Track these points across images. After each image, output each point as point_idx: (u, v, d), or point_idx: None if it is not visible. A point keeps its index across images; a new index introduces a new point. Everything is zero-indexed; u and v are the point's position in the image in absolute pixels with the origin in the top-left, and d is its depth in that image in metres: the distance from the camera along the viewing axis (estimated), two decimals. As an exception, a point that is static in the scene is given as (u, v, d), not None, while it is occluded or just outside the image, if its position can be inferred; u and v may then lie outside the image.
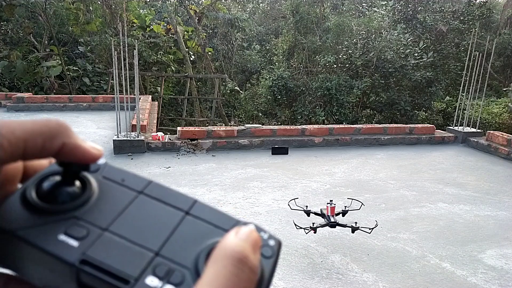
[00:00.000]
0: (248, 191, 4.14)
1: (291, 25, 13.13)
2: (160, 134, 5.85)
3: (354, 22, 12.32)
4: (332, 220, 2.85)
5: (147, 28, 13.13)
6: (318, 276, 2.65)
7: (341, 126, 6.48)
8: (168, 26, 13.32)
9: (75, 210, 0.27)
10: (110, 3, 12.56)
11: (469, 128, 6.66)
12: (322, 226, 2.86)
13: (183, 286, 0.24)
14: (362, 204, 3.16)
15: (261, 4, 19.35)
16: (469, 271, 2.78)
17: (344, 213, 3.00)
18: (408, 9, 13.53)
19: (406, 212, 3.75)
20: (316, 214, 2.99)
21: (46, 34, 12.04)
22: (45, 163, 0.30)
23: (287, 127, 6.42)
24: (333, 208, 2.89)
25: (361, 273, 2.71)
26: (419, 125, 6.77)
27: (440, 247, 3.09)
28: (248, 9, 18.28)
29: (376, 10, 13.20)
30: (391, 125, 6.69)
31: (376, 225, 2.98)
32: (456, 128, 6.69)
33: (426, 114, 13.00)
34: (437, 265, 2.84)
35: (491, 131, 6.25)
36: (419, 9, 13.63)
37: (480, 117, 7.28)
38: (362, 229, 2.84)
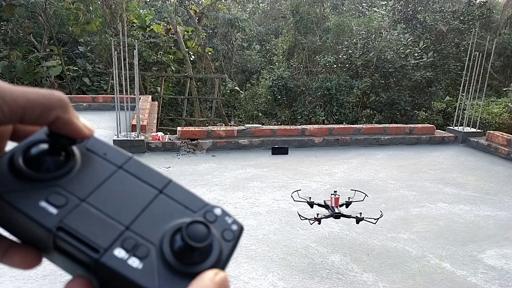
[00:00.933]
0: (248, 191, 4.13)
1: (291, 25, 13.13)
2: (160, 134, 5.85)
3: (354, 22, 12.31)
4: (336, 211, 2.80)
5: (147, 28, 13.11)
6: (318, 276, 2.65)
7: (341, 126, 6.48)
8: (168, 26, 13.32)
9: (57, 179, 0.29)
10: (110, 3, 12.56)
11: (469, 128, 6.65)
12: (327, 217, 2.83)
13: (146, 260, 0.27)
14: (366, 195, 3.12)
15: (261, 4, 19.34)
16: (469, 271, 2.78)
17: (347, 204, 2.96)
18: (408, 9, 13.53)
19: (406, 212, 3.75)
20: (320, 205, 2.95)
21: (46, 34, 12.03)
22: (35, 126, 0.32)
23: (287, 127, 6.41)
24: (337, 199, 2.85)
25: (361, 273, 2.71)
26: (419, 125, 6.77)
27: (440, 247, 3.09)
28: (248, 9, 18.27)
29: (376, 10, 13.19)
30: (391, 125, 6.69)
31: (381, 215, 2.97)
32: (456, 128, 6.69)
33: (426, 114, 12.99)
34: (437, 265, 2.84)
35: (491, 131, 6.24)
36: (419, 9, 13.62)
37: (480, 117, 7.28)
38: (367, 219, 2.81)
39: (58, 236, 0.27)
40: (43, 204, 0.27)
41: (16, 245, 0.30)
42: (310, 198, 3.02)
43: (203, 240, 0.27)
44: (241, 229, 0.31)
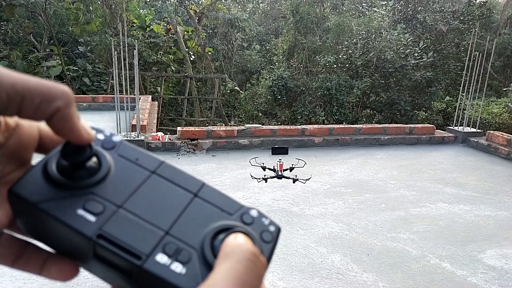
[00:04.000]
0: (248, 191, 4.13)
1: (291, 25, 13.12)
2: (160, 134, 5.85)
3: (354, 22, 12.31)
4: (279, 174, 3.88)
5: (147, 28, 13.12)
6: (318, 276, 2.65)
7: (341, 126, 6.48)
8: (168, 26, 13.32)
9: (92, 186, 0.29)
10: (110, 3, 12.56)
11: (469, 128, 6.66)
12: (272, 177, 3.91)
13: (189, 264, 0.26)
14: (305, 162, 4.22)
15: (261, 4, 19.34)
16: (469, 271, 2.78)
17: (291, 169, 4.02)
18: (408, 9, 13.52)
19: (406, 212, 3.75)
20: (269, 169, 4.03)
21: (46, 34, 12.04)
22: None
23: (287, 127, 6.41)
24: (281, 165, 3.98)
25: (361, 273, 2.71)
26: (419, 125, 6.77)
27: (440, 247, 3.09)
28: (248, 9, 18.27)
29: (376, 10, 13.19)
30: (391, 125, 6.69)
31: (310, 177, 4.03)
32: (456, 128, 6.69)
33: (426, 114, 12.99)
34: (437, 265, 2.84)
35: (491, 131, 6.25)
36: (419, 9, 13.61)
37: (480, 117, 7.28)
38: (300, 180, 3.87)
39: (98, 244, 0.26)
40: (81, 212, 0.27)
41: (53, 256, 0.29)
42: (263, 163, 4.07)
43: None
44: (278, 230, 0.30)
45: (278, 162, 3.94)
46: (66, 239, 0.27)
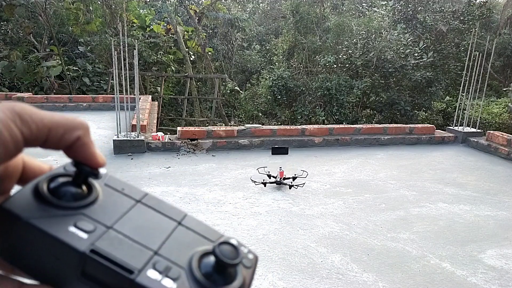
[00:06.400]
0: (248, 191, 4.13)
1: (291, 25, 13.12)
2: (160, 134, 5.85)
3: (354, 22, 12.31)
4: (279, 180, 4.24)
5: (147, 28, 13.12)
6: (318, 276, 2.65)
7: (341, 126, 6.48)
8: (168, 26, 13.32)
9: (82, 208, 0.30)
10: (110, 3, 12.56)
11: (469, 128, 6.65)
12: (271, 183, 4.25)
13: (179, 280, 0.28)
14: (307, 173, 4.45)
15: (261, 4, 19.34)
16: (469, 271, 2.78)
17: (294, 178, 4.27)
18: (408, 9, 13.52)
19: (406, 212, 3.75)
20: (272, 176, 4.34)
21: (46, 34, 12.04)
22: (44, 168, 0.33)
23: (287, 127, 6.41)
24: (281, 172, 4.28)
25: (361, 273, 2.71)
26: (419, 125, 6.77)
27: (440, 247, 3.09)
28: (248, 9, 18.26)
29: (376, 10, 13.18)
30: (391, 125, 6.69)
31: (304, 183, 4.25)
32: (456, 128, 6.69)
33: (426, 114, 12.99)
34: (437, 265, 2.84)
35: (491, 131, 6.24)
36: (419, 9, 13.61)
37: (480, 117, 7.28)
38: (294, 186, 4.18)
39: (91, 259, 0.27)
40: (73, 229, 0.28)
41: (26, 286, 0.29)
42: (269, 172, 4.36)
43: (235, 258, 0.29)
44: (256, 258, 0.32)
45: (279, 170, 4.29)
46: (54, 257, 0.27)
